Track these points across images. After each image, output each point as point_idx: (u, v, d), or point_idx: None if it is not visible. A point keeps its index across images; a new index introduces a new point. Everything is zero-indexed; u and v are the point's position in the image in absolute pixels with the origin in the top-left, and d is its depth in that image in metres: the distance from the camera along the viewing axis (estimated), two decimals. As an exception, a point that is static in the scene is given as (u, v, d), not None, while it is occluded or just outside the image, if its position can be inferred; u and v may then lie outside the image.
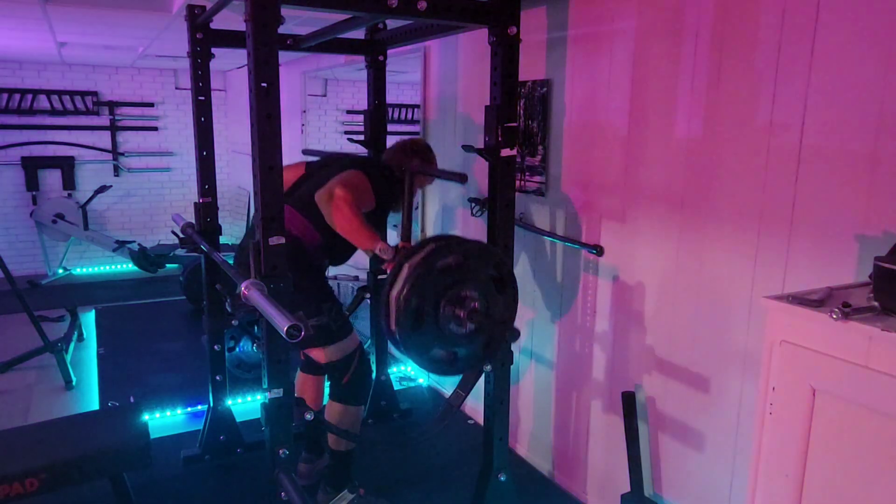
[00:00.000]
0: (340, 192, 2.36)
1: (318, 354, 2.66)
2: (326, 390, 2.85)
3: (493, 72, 2.29)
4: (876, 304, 1.22)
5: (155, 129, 7.23)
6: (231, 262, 2.72)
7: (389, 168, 2.76)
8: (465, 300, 2.06)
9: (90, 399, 3.92)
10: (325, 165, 2.75)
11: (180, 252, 5.60)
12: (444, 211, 3.75)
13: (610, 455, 2.68)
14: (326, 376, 2.82)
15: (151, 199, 7.37)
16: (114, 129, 7.03)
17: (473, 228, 3.40)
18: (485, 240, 2.44)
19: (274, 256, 1.95)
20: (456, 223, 3.63)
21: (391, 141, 3.59)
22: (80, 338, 4.87)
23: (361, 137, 3.42)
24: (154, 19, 3.75)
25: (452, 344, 2.11)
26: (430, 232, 3.91)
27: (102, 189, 6.86)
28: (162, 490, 2.94)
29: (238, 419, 3.28)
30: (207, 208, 3.07)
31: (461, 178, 2.55)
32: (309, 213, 2.54)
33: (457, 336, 2.08)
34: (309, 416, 2.12)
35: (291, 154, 6.35)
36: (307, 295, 2.52)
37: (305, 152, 3.57)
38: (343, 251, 2.73)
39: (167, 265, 6.48)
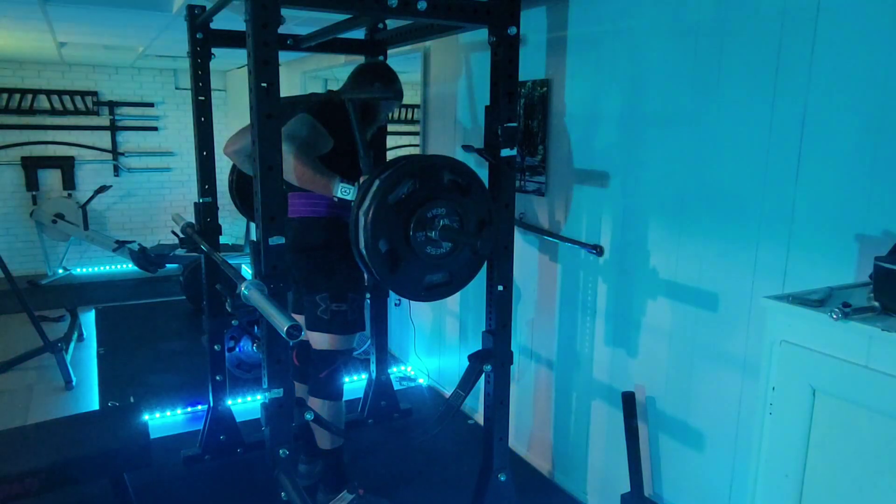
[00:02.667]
0: (283, 148, 2.18)
1: (322, 339, 2.63)
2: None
3: (493, 72, 2.29)
4: (876, 304, 1.22)
5: (155, 129, 7.23)
6: (231, 262, 2.72)
7: (339, 96, 2.55)
8: (433, 220, 1.99)
9: (90, 399, 3.92)
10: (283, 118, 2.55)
11: (180, 252, 5.61)
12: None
13: (610, 455, 2.68)
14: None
15: (151, 199, 7.37)
16: (114, 129, 7.03)
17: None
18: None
19: (274, 256, 1.95)
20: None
21: (391, 141, 3.60)
22: (80, 338, 4.86)
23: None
24: (154, 19, 3.75)
25: (439, 266, 2.06)
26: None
27: (102, 189, 6.85)
28: (162, 490, 2.94)
29: (238, 419, 3.28)
30: (207, 208, 3.07)
31: (396, 97, 2.42)
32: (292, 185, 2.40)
33: (439, 256, 2.03)
34: (309, 416, 2.12)
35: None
36: (340, 277, 2.48)
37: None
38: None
39: (167, 265, 6.47)
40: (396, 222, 1.98)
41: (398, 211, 1.98)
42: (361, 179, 2.17)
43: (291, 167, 2.24)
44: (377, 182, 1.98)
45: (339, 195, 2.20)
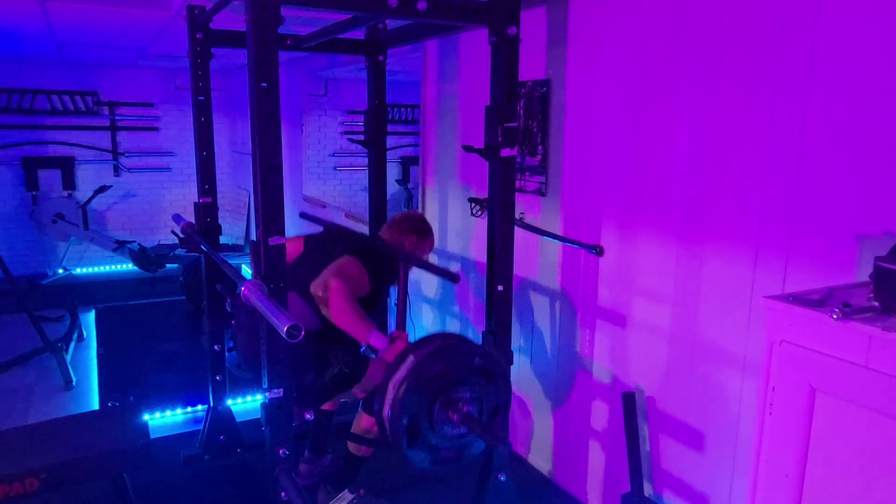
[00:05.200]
0: (335, 285, 2.36)
1: (356, 394, 2.68)
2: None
3: (493, 72, 2.29)
4: (876, 304, 1.22)
5: (155, 129, 7.23)
6: (231, 262, 2.72)
7: (384, 245, 2.73)
8: (457, 403, 2.08)
9: (90, 399, 3.92)
10: (322, 246, 2.71)
11: (180, 252, 5.61)
12: (443, 211, 3.75)
13: (610, 455, 2.68)
14: None
15: (151, 199, 7.37)
16: (114, 129, 7.03)
17: (474, 228, 3.40)
18: (484, 240, 2.45)
19: (274, 256, 1.95)
20: (456, 223, 3.63)
21: (391, 141, 3.60)
22: (80, 338, 4.86)
23: (361, 137, 3.42)
24: (154, 19, 3.75)
25: (452, 443, 2.14)
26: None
27: (102, 189, 6.85)
28: (162, 490, 2.94)
29: (238, 419, 3.28)
30: (207, 208, 3.07)
31: (453, 279, 2.55)
32: (308, 299, 2.51)
33: (454, 437, 2.11)
34: (308, 416, 2.12)
35: (291, 154, 6.37)
36: (310, 358, 2.52)
37: (303, 216, 3.58)
38: (342, 335, 2.73)
39: (167, 265, 6.48)
40: (422, 399, 2.06)
41: (426, 388, 2.06)
42: (394, 334, 2.34)
43: (337, 303, 2.34)
44: (411, 357, 2.07)
45: (371, 343, 2.30)
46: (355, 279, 2.47)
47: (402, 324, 2.55)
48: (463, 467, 3.03)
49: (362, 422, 2.73)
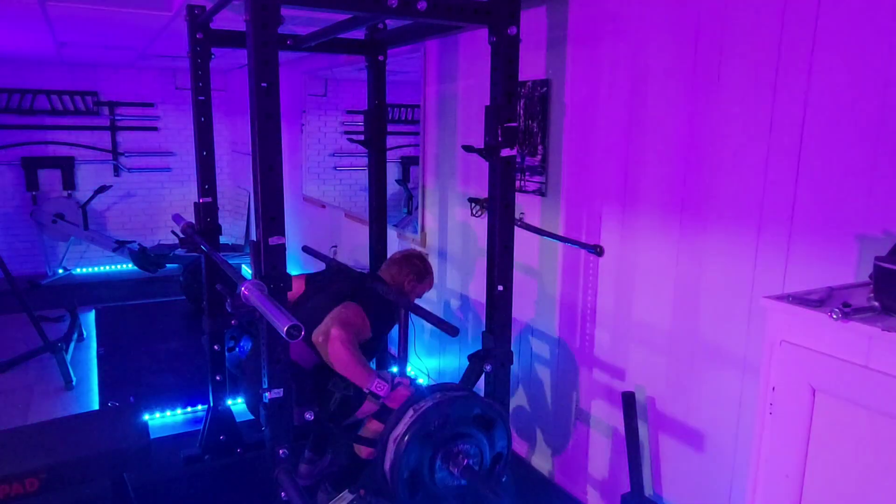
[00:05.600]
0: (336, 333, 2.38)
1: (367, 410, 2.67)
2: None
3: (493, 72, 2.29)
4: (876, 304, 1.22)
5: (155, 129, 7.23)
6: (231, 262, 2.72)
7: (385, 288, 2.76)
8: (457, 455, 2.13)
9: (90, 399, 3.92)
10: (324, 286, 2.74)
11: (180, 252, 5.61)
12: (444, 211, 3.75)
13: (610, 455, 2.68)
14: None
15: (151, 199, 7.37)
16: (114, 129, 7.03)
17: (474, 229, 3.40)
18: (485, 240, 2.45)
19: (274, 256, 1.95)
20: (456, 224, 3.63)
21: (391, 141, 3.60)
22: (80, 338, 4.86)
23: (361, 137, 3.42)
24: (154, 19, 3.75)
25: (451, 496, 2.18)
26: (429, 236, 3.91)
27: (102, 189, 6.86)
28: (162, 490, 2.94)
29: (238, 419, 3.28)
30: (207, 208, 3.07)
31: (452, 332, 2.56)
32: (307, 340, 2.51)
33: (455, 488, 2.16)
34: (309, 416, 2.13)
35: (291, 154, 6.36)
36: (311, 392, 2.53)
37: (305, 250, 3.58)
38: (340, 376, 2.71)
39: (167, 265, 6.48)
40: (423, 453, 2.10)
41: (426, 443, 2.11)
42: (396, 380, 2.37)
43: (339, 352, 2.36)
44: (410, 411, 2.13)
45: (372, 389, 2.33)
46: (357, 326, 2.51)
47: (403, 371, 2.59)
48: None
49: (371, 426, 2.73)
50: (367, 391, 2.35)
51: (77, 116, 6.85)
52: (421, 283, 2.87)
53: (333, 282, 2.79)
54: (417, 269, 2.87)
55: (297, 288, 2.75)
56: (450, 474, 2.14)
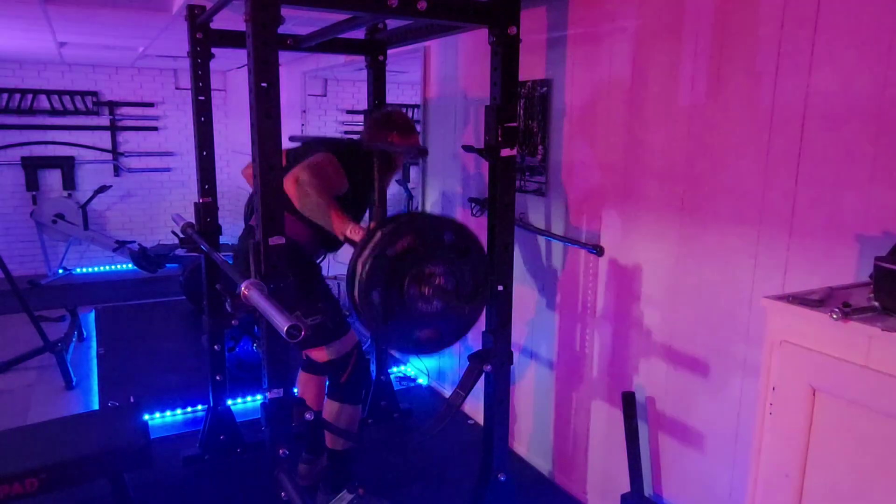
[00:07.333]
0: (304, 176, 2.29)
1: (318, 354, 2.66)
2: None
3: (493, 72, 2.29)
4: (876, 304, 1.22)
5: (155, 129, 7.23)
6: (231, 262, 2.72)
7: (366, 146, 2.61)
8: (430, 277, 2.01)
9: (90, 399, 3.92)
10: (302, 153, 2.64)
11: (180, 252, 5.61)
12: (444, 211, 3.75)
13: (610, 455, 2.68)
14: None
15: (151, 199, 7.37)
16: (114, 129, 7.03)
17: (473, 228, 3.40)
18: (485, 241, 2.44)
19: (274, 256, 1.95)
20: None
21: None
22: (80, 338, 4.87)
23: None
24: (154, 19, 3.75)
25: (429, 322, 2.08)
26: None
27: (102, 189, 6.86)
28: (162, 490, 2.94)
29: (238, 419, 3.28)
30: (207, 208, 3.07)
31: (420, 153, 2.47)
32: (291, 206, 2.41)
33: (430, 314, 2.05)
34: (309, 416, 2.12)
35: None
36: (303, 295, 2.50)
37: (292, 139, 3.54)
38: (334, 238, 2.68)
39: (167, 265, 6.48)
40: (392, 275, 2.00)
41: (395, 265, 2.01)
42: (371, 226, 2.18)
43: (307, 195, 2.26)
44: (378, 234, 2.02)
45: (348, 234, 2.20)
46: (328, 173, 2.38)
47: (382, 219, 2.37)
48: (463, 468, 3.05)
49: (330, 410, 2.71)
50: (342, 238, 2.24)
51: (77, 116, 6.85)
52: (406, 140, 2.67)
53: (311, 148, 2.64)
54: (399, 123, 2.66)
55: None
56: (423, 297, 2.02)
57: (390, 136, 2.62)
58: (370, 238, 2.02)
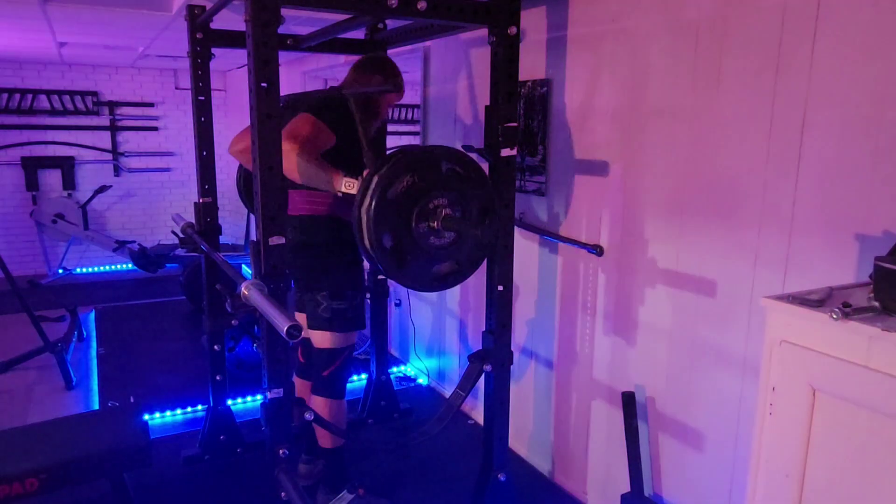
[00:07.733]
0: (286, 146, 2.16)
1: (322, 337, 2.63)
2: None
3: (493, 72, 2.29)
4: (876, 304, 1.22)
5: (155, 129, 7.23)
6: (231, 262, 2.71)
7: (344, 92, 2.50)
8: (435, 210, 1.98)
9: (90, 399, 3.92)
10: (285, 114, 2.48)
11: (180, 252, 5.61)
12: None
13: (610, 455, 2.68)
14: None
15: (151, 199, 7.37)
16: (114, 129, 7.03)
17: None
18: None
19: (274, 256, 1.95)
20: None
21: (391, 141, 3.60)
22: (80, 338, 4.87)
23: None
24: (154, 19, 3.75)
25: (445, 256, 2.06)
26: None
27: (102, 189, 6.85)
28: (162, 490, 2.94)
29: (238, 419, 3.28)
30: (207, 208, 3.07)
31: (397, 89, 2.40)
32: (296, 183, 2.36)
33: (444, 247, 2.03)
34: (309, 416, 2.12)
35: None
36: (340, 275, 2.48)
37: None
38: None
39: (167, 265, 6.48)
40: (398, 216, 1.98)
41: (399, 205, 1.98)
42: (365, 174, 2.11)
43: (294, 165, 2.21)
44: (375, 178, 1.98)
45: (343, 189, 2.15)
46: (308, 133, 2.32)
47: (373, 164, 2.23)
48: (463, 468, 3.05)
49: (317, 407, 2.69)
50: (339, 193, 2.18)
51: (77, 116, 6.85)
52: (391, 82, 2.60)
53: (292, 106, 2.54)
54: (380, 65, 2.59)
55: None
56: (433, 231, 1.99)
57: (373, 78, 2.57)
58: (368, 185, 1.98)
